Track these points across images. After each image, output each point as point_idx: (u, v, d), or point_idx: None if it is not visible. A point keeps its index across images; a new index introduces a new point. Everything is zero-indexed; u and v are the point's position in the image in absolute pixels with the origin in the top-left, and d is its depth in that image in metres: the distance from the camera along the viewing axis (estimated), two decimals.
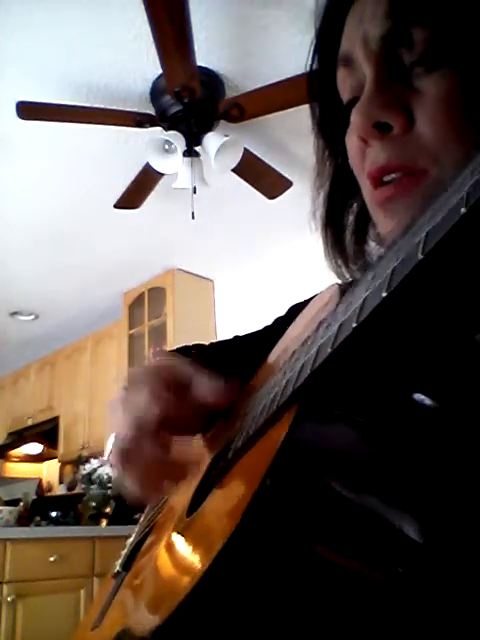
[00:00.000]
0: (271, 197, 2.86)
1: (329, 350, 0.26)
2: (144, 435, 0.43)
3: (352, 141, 0.42)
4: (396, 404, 0.26)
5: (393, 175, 0.38)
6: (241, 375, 0.47)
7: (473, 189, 0.18)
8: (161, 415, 0.43)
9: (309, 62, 0.47)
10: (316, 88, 0.48)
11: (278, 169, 2.72)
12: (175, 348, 0.63)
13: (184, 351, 0.61)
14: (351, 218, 0.49)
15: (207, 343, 0.69)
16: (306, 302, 0.55)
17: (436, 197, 0.22)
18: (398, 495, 0.24)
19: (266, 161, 2.67)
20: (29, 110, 2.25)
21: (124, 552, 0.65)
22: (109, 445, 0.46)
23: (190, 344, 0.65)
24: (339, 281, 0.49)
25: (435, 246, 0.19)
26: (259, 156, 2.63)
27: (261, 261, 3.87)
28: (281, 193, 2.84)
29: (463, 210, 0.18)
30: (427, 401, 0.26)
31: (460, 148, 0.35)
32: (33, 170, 2.83)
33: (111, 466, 0.47)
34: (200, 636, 0.24)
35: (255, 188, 2.77)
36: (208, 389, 0.45)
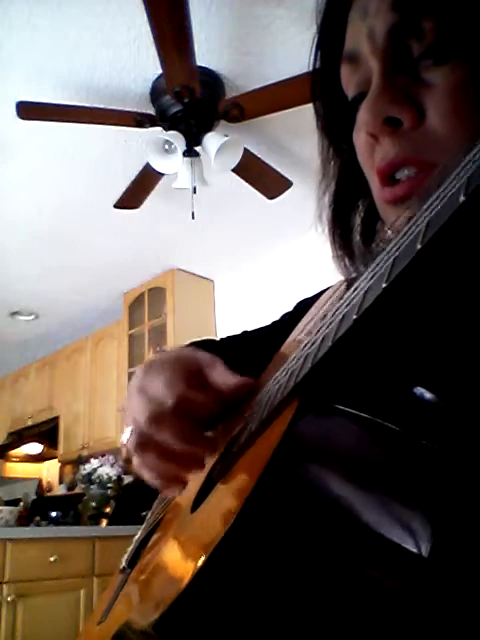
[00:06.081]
0: (271, 197, 2.86)
1: (330, 343, 0.26)
2: (161, 423, 0.43)
3: (361, 138, 0.41)
4: (396, 398, 0.26)
5: (405, 171, 0.38)
6: (252, 371, 0.47)
7: (472, 176, 0.18)
8: (178, 403, 0.43)
9: (311, 60, 0.46)
10: (319, 86, 0.47)
11: (278, 169, 2.71)
12: (186, 344, 0.62)
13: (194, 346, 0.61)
14: (358, 219, 0.48)
15: (217, 339, 0.68)
16: (314, 297, 0.55)
17: (437, 186, 0.22)
18: (397, 490, 0.24)
19: (266, 161, 2.67)
20: (29, 110, 2.25)
21: (130, 548, 0.65)
22: (126, 433, 0.47)
23: (199, 340, 0.65)
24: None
25: (434, 235, 0.19)
26: (259, 156, 2.63)
27: (261, 261, 3.87)
28: (281, 193, 2.84)
29: (462, 198, 0.18)
30: (427, 395, 0.25)
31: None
32: (33, 170, 2.82)
33: (125, 453, 0.48)
34: (201, 629, 0.24)
35: (255, 188, 2.76)
36: (225, 379, 0.45)
